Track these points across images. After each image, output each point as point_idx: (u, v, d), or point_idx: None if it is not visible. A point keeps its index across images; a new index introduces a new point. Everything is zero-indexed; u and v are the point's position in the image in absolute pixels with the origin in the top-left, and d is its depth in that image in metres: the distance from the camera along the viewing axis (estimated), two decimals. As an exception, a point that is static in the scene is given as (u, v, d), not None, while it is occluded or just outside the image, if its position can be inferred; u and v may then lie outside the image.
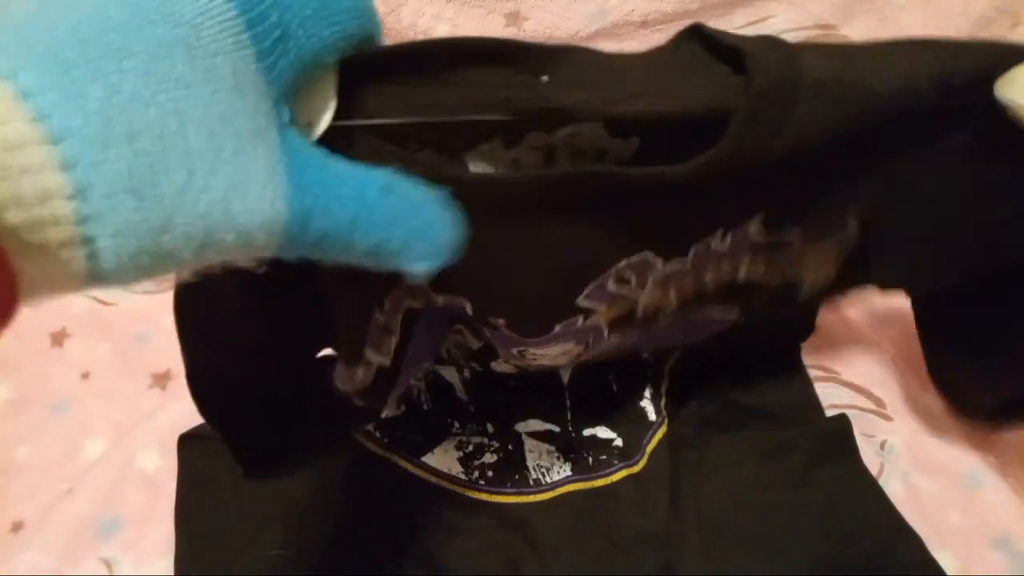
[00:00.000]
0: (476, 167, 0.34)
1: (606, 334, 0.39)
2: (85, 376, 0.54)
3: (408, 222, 0.22)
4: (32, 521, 0.47)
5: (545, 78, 0.29)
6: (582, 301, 0.35)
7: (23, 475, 0.49)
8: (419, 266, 0.23)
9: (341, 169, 0.21)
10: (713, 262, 0.36)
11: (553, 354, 0.39)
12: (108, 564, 0.45)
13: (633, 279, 0.35)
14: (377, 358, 0.38)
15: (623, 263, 0.34)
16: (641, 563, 0.42)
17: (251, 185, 0.18)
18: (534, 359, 0.40)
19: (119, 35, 0.17)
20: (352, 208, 0.21)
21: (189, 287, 0.36)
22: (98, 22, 0.17)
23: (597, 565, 0.43)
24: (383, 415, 0.46)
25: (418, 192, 0.23)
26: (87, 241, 0.16)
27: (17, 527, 0.46)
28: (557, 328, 0.36)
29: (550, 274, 0.34)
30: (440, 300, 0.36)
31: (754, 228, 0.35)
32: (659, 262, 0.35)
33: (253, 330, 0.38)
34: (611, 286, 0.35)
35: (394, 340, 0.38)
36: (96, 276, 0.16)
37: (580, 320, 0.37)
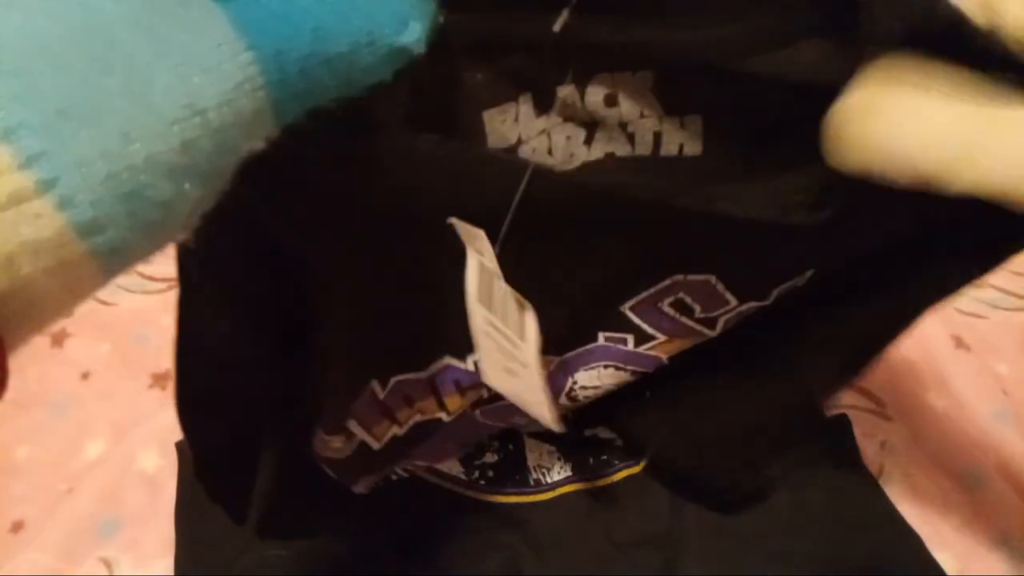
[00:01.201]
0: (495, 132, 0.28)
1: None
2: (85, 376, 0.54)
3: None
4: (32, 521, 0.47)
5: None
6: (631, 314, 0.32)
7: (23, 475, 0.49)
8: (410, 31, 0.20)
9: None
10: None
11: (605, 384, 0.36)
12: (108, 564, 0.45)
13: (697, 309, 0.31)
14: (363, 434, 0.35)
15: (680, 278, 0.30)
16: (641, 563, 0.42)
17: (204, 49, 0.16)
18: (585, 394, 0.37)
19: None
20: (309, 14, 0.18)
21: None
22: None
23: (597, 565, 0.43)
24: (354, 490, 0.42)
25: None
26: (46, 185, 0.14)
27: (17, 527, 0.46)
28: (601, 338, 0.33)
29: (591, 268, 0.30)
30: (470, 363, 0.33)
31: None
32: (731, 297, 0.30)
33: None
34: (668, 309, 0.31)
35: (393, 430, 0.36)
36: (84, 232, 0.14)
37: (631, 341, 0.33)
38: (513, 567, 0.43)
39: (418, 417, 0.36)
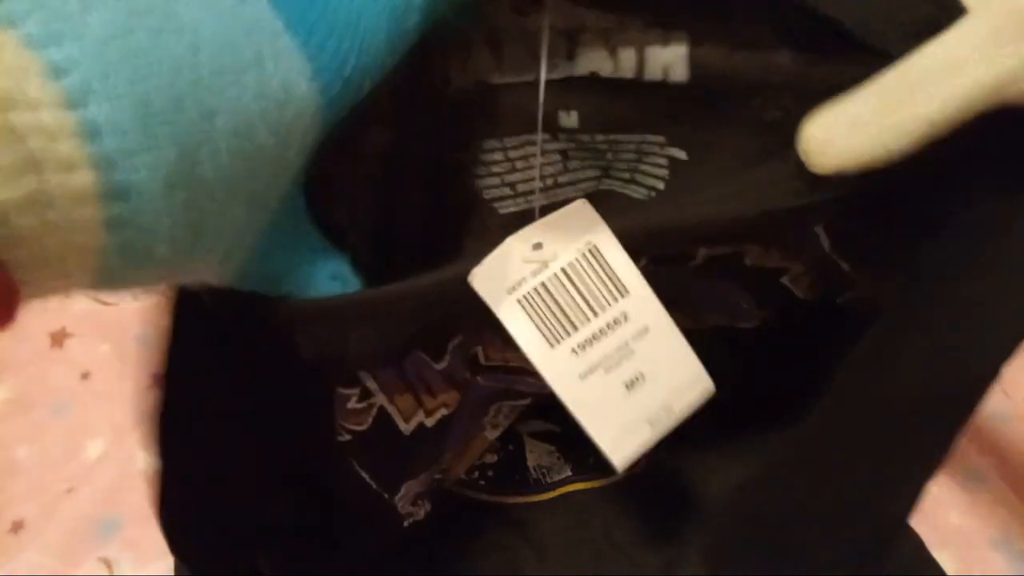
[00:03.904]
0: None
1: None
2: (85, 376, 0.54)
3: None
4: (32, 521, 0.47)
5: None
6: None
7: (23, 475, 0.49)
8: None
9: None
10: None
11: None
12: (108, 564, 0.45)
13: None
14: (384, 400, 0.32)
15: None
16: (641, 563, 0.42)
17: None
18: None
19: None
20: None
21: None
22: None
23: (597, 565, 0.43)
24: (401, 511, 0.38)
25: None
26: (87, 129, 0.13)
27: (17, 527, 0.46)
28: None
29: None
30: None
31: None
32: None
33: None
34: None
35: (420, 417, 0.33)
36: (121, 196, 0.14)
37: None
38: (513, 567, 0.43)
39: (443, 411, 0.34)
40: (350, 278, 0.23)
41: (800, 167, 0.22)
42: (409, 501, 0.39)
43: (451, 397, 0.34)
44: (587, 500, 0.45)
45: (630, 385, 0.25)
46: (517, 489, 0.46)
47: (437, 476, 0.41)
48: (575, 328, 0.24)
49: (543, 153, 0.29)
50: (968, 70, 0.18)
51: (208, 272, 0.19)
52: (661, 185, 0.29)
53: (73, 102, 0.13)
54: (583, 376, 0.24)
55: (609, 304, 0.24)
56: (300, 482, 0.34)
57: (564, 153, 0.29)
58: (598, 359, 0.24)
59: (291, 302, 0.22)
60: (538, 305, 0.24)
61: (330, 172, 0.23)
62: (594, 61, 0.26)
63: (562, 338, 0.24)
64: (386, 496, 0.37)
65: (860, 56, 0.21)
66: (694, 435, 0.48)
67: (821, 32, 0.21)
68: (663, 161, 0.28)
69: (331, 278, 0.22)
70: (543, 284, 0.24)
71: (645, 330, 0.25)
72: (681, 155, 0.28)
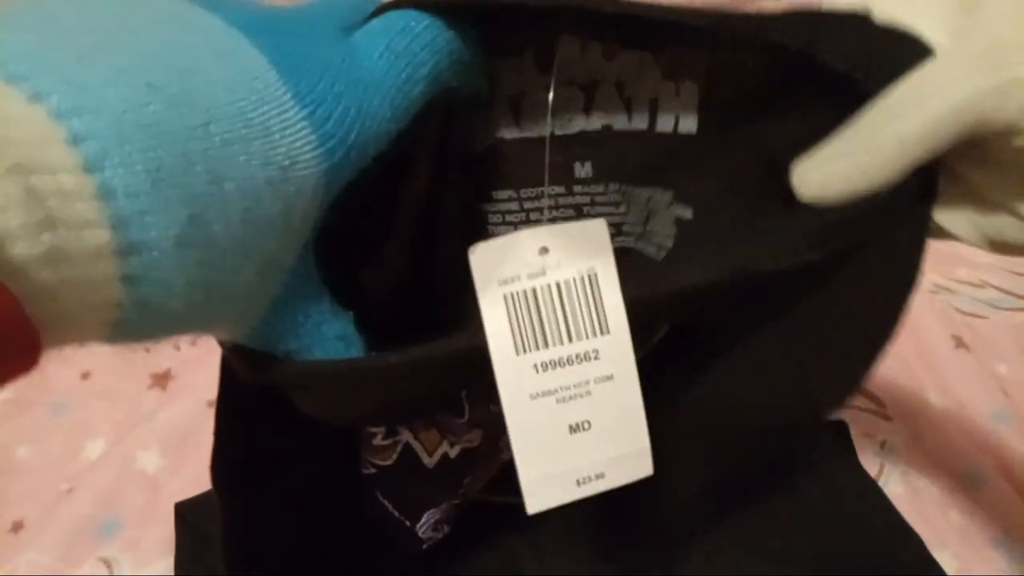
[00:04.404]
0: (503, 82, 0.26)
1: None
2: (85, 376, 0.54)
3: None
4: (32, 521, 0.47)
5: None
6: None
7: (23, 475, 0.49)
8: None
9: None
10: None
11: None
12: (108, 564, 0.45)
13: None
14: (409, 437, 0.34)
15: None
16: (641, 563, 0.42)
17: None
18: None
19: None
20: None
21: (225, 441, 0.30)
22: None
23: (597, 565, 0.43)
24: (422, 536, 0.39)
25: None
26: (106, 192, 0.14)
27: (17, 527, 0.46)
28: None
29: None
30: None
31: None
32: None
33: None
34: None
35: (444, 448, 0.34)
36: (134, 253, 0.15)
37: None
38: (513, 567, 0.43)
39: (466, 444, 0.35)
40: (354, 339, 0.23)
41: (800, 219, 0.22)
42: (430, 528, 0.40)
43: (475, 435, 0.35)
44: (587, 500, 0.45)
45: (574, 429, 0.24)
46: (517, 489, 0.46)
47: (456, 502, 0.41)
48: (546, 345, 0.23)
49: (558, 208, 0.29)
50: (940, 94, 0.19)
51: (224, 330, 0.20)
52: (670, 243, 0.29)
53: (90, 167, 0.14)
54: (534, 397, 0.24)
55: (587, 336, 0.23)
56: (324, 508, 0.35)
57: (579, 209, 0.29)
58: (555, 386, 0.24)
59: (297, 364, 0.22)
60: (521, 307, 0.23)
61: (355, 230, 0.24)
62: (609, 114, 0.26)
63: (530, 350, 0.23)
64: (407, 524, 0.38)
65: (851, 103, 0.21)
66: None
67: (818, 81, 0.22)
68: (670, 219, 0.29)
69: (336, 338, 0.23)
70: (534, 289, 0.23)
71: (610, 377, 0.24)
72: (687, 214, 0.28)
